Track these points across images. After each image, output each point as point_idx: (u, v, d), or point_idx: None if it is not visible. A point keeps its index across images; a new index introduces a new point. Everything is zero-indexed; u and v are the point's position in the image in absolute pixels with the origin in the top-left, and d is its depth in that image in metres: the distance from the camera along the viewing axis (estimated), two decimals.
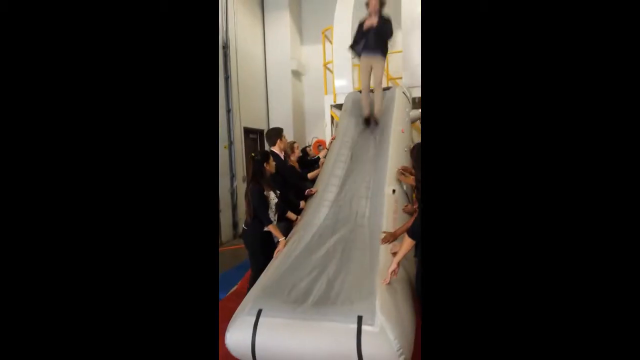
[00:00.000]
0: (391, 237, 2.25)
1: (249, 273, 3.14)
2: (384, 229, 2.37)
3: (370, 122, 3.49)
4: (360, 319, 1.64)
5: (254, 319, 1.82)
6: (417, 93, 4.28)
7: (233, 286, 3.25)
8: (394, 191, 2.72)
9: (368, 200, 2.78)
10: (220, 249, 4.92)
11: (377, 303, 1.71)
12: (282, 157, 3.15)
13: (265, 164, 2.61)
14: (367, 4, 3.43)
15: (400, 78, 4.70)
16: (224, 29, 5.41)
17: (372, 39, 3.39)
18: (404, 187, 2.83)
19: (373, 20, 3.35)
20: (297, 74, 6.76)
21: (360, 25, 3.46)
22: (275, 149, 3.12)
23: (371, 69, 3.48)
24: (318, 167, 3.62)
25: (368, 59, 3.47)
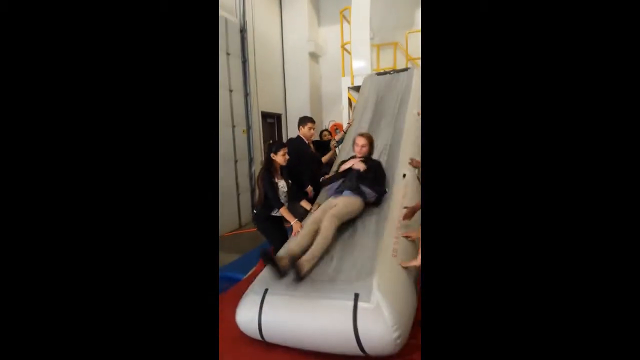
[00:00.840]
0: (410, 214, 2.26)
1: None
2: (390, 214, 2.38)
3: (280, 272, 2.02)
4: (357, 296, 1.70)
5: (260, 297, 1.91)
6: None
7: (252, 267, 3.34)
8: (404, 175, 2.73)
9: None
10: (240, 231, 5.04)
11: (375, 282, 1.75)
12: (307, 143, 3.21)
13: (272, 154, 2.65)
14: (353, 145, 2.77)
15: (419, 58, 4.59)
16: (241, 13, 5.38)
17: (354, 180, 2.55)
18: (416, 172, 2.83)
19: (359, 165, 2.61)
20: (314, 56, 6.68)
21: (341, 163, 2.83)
22: (300, 133, 3.22)
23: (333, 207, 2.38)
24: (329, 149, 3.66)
25: (335, 200, 2.50)
